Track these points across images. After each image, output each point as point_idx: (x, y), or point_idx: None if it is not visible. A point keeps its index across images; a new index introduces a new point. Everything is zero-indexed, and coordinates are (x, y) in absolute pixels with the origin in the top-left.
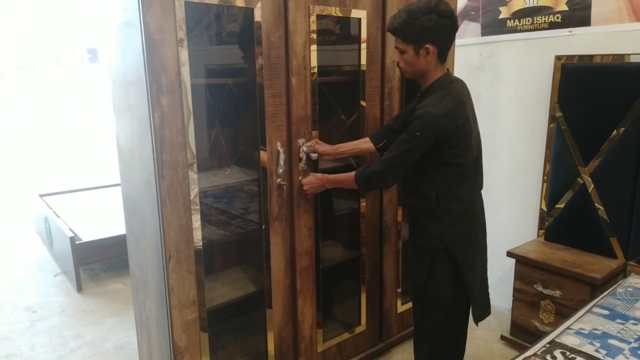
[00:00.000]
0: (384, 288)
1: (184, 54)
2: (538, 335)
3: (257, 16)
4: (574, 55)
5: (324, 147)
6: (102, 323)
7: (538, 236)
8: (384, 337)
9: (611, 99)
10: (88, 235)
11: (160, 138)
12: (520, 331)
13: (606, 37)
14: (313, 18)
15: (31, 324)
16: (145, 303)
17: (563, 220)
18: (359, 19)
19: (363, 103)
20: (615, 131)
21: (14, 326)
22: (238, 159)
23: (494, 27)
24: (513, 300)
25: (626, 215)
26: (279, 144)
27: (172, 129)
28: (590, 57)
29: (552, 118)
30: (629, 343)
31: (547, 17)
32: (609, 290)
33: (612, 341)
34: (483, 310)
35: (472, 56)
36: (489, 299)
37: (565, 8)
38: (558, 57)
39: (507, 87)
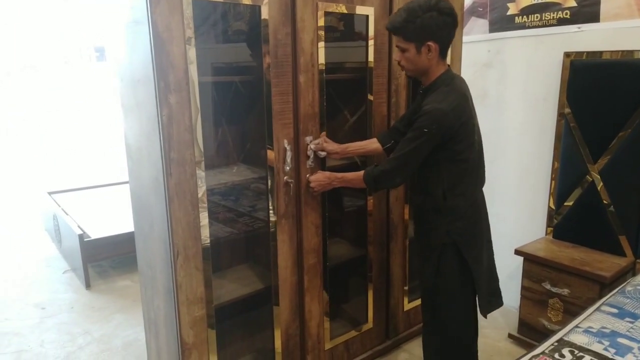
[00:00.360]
0: (391, 286)
1: (192, 52)
2: (546, 334)
3: (264, 14)
4: (583, 52)
5: (332, 146)
6: (111, 320)
7: (546, 234)
8: (391, 334)
9: (621, 95)
10: (96, 232)
11: (168, 136)
12: (528, 329)
13: (615, 33)
14: (321, 15)
15: (40, 320)
16: (154, 300)
17: (572, 218)
18: (366, 16)
19: (370, 99)
20: (624, 128)
21: (23, 322)
22: (245, 156)
23: (502, 23)
24: (521, 298)
25: (635, 213)
26: (286, 141)
27: (180, 126)
28: (600, 53)
29: (560, 115)
30: (639, 342)
31: (555, 13)
32: (618, 289)
33: (621, 340)
34: (491, 303)
35: (480, 53)
36: (499, 291)
37: (574, 4)
38: (567, 54)
39: (515, 84)
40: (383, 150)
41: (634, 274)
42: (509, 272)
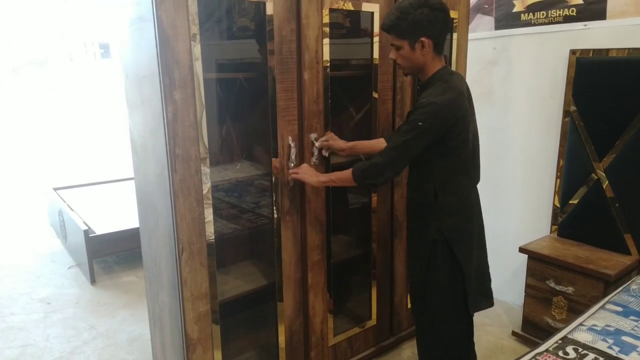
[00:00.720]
0: (394, 283)
1: (197, 49)
2: (550, 332)
3: (269, 10)
4: (589, 50)
5: (339, 144)
6: (116, 315)
7: (551, 232)
8: (394, 331)
9: (627, 93)
10: (101, 228)
11: (173, 132)
12: (532, 327)
13: (622, 30)
14: (326, 11)
15: (46, 315)
16: (158, 295)
17: (576, 216)
18: (372, 13)
19: (375, 96)
20: (630, 126)
21: (29, 317)
22: (250, 153)
23: (507, 20)
24: (525, 296)
25: None
26: (290, 138)
27: (185, 123)
28: (606, 51)
29: (566, 113)
30: None
31: (561, 10)
32: (622, 287)
33: (625, 338)
34: (479, 302)
35: (485, 50)
36: (490, 291)
37: (580, 1)
38: (573, 51)
39: (520, 81)
40: None
41: (639, 273)
42: (513, 270)
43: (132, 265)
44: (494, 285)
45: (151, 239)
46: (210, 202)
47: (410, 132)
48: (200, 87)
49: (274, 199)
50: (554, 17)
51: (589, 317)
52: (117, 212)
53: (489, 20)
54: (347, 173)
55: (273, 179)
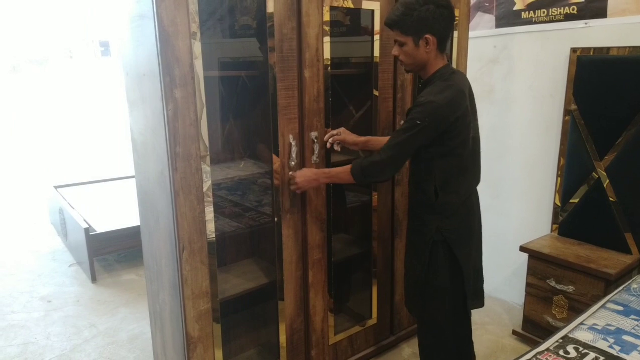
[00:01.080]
0: (395, 282)
1: (197, 47)
2: (550, 331)
3: (270, 8)
4: (590, 48)
5: (352, 137)
6: (116, 313)
7: (552, 231)
8: (395, 330)
9: (628, 92)
10: (102, 226)
11: (174, 130)
12: (533, 326)
13: (623, 29)
14: (326, 9)
15: (46, 313)
16: (159, 294)
17: (577, 215)
18: (372, 11)
19: (376, 95)
20: (631, 125)
21: (30, 315)
22: (251, 151)
23: (508, 19)
24: (526, 295)
25: None
26: (291, 136)
27: (186, 121)
28: (608, 49)
29: (567, 111)
30: None
31: (562, 8)
32: (623, 286)
33: (626, 337)
34: (473, 301)
35: (486, 48)
36: (482, 292)
37: (581, 0)
38: (574, 50)
39: (521, 79)
40: None
41: None
42: (514, 269)
43: (133, 264)
44: (495, 284)
45: (152, 238)
46: (212, 200)
47: (408, 130)
48: (201, 86)
49: (274, 198)
50: (555, 16)
51: (589, 316)
52: (118, 211)
53: (490, 18)
54: (346, 170)
55: (274, 178)
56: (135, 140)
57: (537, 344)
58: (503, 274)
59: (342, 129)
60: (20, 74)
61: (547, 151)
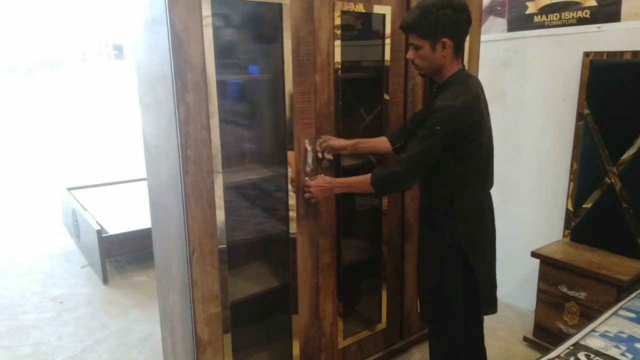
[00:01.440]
0: (405, 286)
1: (210, 51)
2: (562, 338)
3: (285, 12)
4: (604, 52)
5: (339, 142)
6: (127, 314)
7: (564, 236)
8: (404, 335)
9: None
10: (114, 228)
11: (185, 134)
12: (544, 333)
13: (637, 32)
14: (337, 14)
15: (58, 314)
16: (170, 295)
17: (590, 221)
18: (383, 15)
19: (386, 96)
20: None
21: (42, 316)
22: (264, 156)
23: (520, 22)
24: (537, 301)
25: None
26: (307, 141)
27: (197, 125)
28: (621, 53)
29: (579, 116)
30: None
31: (575, 12)
32: (635, 293)
33: (638, 345)
34: (486, 306)
35: (497, 52)
36: (495, 298)
37: (594, 3)
38: (586, 54)
39: (533, 83)
40: (392, 150)
41: None
42: (525, 275)
43: (144, 265)
44: (506, 290)
45: (163, 240)
46: (222, 204)
47: (429, 137)
48: (212, 90)
49: (288, 202)
50: (567, 19)
51: (601, 323)
52: (130, 213)
53: (502, 22)
54: (365, 180)
55: (288, 183)
56: (148, 142)
57: (548, 351)
58: (514, 279)
59: (326, 136)
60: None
61: (559, 155)
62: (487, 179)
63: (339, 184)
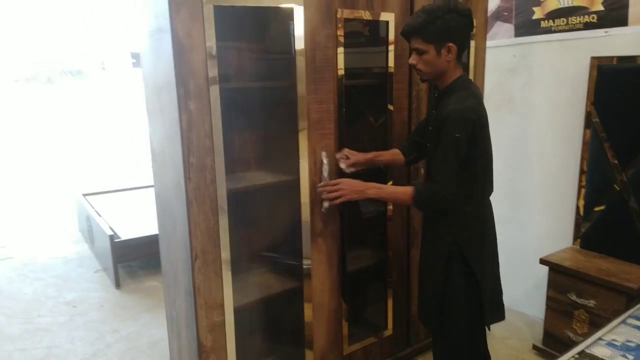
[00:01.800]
0: (411, 292)
1: (213, 59)
2: (571, 346)
3: (297, 17)
4: (611, 57)
5: (362, 156)
6: (138, 319)
7: (573, 243)
8: (411, 342)
9: None
10: (127, 233)
11: (188, 141)
12: (553, 341)
13: None
14: (340, 21)
15: (71, 318)
16: (176, 300)
17: (599, 228)
18: (387, 22)
19: (390, 107)
20: None
21: (55, 319)
22: (273, 165)
23: (527, 27)
24: (546, 309)
25: None
26: (324, 153)
27: (200, 132)
28: (631, 58)
29: (588, 121)
30: None
31: (582, 17)
32: None
33: None
34: (493, 314)
35: (505, 57)
36: (502, 304)
37: (601, 8)
38: (594, 58)
39: (541, 89)
40: (405, 162)
41: None
42: (534, 282)
43: (156, 270)
44: (516, 297)
45: (169, 244)
46: (226, 211)
47: (452, 147)
48: (216, 98)
49: (302, 217)
50: (574, 24)
51: (609, 331)
52: (142, 218)
53: (509, 27)
54: (405, 192)
55: (301, 198)
56: (154, 149)
57: (554, 359)
58: (523, 287)
59: (346, 150)
60: (54, 85)
61: (568, 162)
62: (487, 184)
63: (373, 187)
